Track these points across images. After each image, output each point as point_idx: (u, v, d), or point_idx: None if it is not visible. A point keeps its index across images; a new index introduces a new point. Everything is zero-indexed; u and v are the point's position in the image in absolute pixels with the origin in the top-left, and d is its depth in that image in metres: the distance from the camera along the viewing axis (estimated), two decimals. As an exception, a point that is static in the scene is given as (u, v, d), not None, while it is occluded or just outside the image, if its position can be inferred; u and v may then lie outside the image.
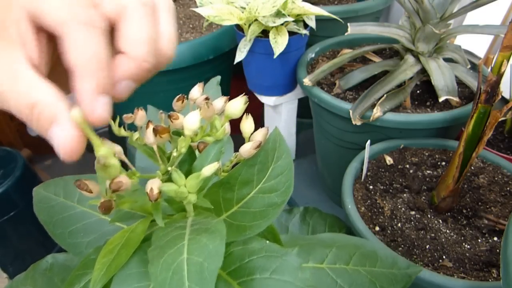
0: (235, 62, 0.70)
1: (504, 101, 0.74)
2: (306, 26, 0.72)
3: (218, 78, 0.38)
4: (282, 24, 0.66)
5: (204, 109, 0.25)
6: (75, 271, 0.33)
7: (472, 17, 0.80)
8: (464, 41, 0.83)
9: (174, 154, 0.27)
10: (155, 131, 0.25)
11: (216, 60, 0.82)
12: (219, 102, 0.28)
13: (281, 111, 0.83)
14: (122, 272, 0.28)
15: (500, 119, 0.45)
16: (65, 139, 0.20)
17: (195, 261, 0.24)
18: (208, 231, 0.26)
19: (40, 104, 0.20)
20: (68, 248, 0.36)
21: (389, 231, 0.52)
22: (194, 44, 0.78)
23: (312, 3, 0.70)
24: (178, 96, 0.28)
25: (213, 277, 0.23)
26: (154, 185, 0.25)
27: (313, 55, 0.78)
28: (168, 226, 0.28)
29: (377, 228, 0.53)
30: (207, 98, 0.28)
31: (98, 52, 0.20)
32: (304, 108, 0.85)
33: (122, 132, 0.29)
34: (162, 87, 0.81)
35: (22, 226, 0.90)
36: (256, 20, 0.66)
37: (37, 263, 0.44)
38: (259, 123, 0.96)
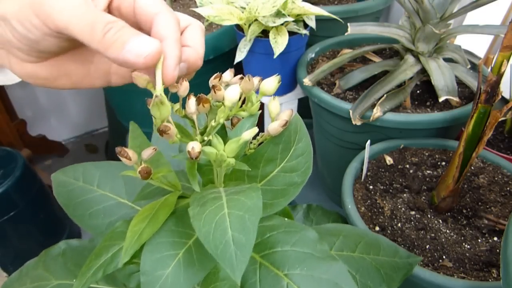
0: (235, 62, 0.70)
1: (504, 101, 0.74)
2: (306, 26, 0.72)
3: None
4: (282, 24, 0.66)
5: (245, 82, 0.28)
6: (102, 243, 0.34)
7: (472, 17, 0.80)
8: (464, 41, 0.83)
9: (213, 124, 0.29)
10: (199, 100, 0.28)
11: (216, 60, 0.82)
12: (255, 80, 0.31)
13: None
14: (153, 240, 0.30)
15: (500, 119, 0.45)
16: (150, 45, 0.24)
17: (236, 214, 0.26)
18: (244, 192, 0.27)
19: (122, 22, 0.24)
20: (88, 228, 0.38)
21: (389, 231, 0.52)
22: (194, 44, 0.78)
23: (312, 3, 0.70)
24: (215, 74, 0.31)
25: (255, 227, 0.24)
26: (195, 145, 0.27)
27: (313, 55, 0.78)
28: (203, 191, 0.30)
29: (377, 228, 0.53)
30: (242, 77, 0.31)
31: (179, 36, 0.26)
32: (304, 108, 0.85)
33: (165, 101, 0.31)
34: (162, 87, 0.81)
35: (22, 226, 0.90)
36: (256, 20, 0.66)
37: (48, 249, 0.45)
38: (260, 122, 0.96)
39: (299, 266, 0.30)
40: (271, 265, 0.30)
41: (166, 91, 0.30)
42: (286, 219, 0.33)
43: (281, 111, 0.33)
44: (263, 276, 0.30)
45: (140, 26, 0.26)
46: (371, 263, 0.40)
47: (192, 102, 0.28)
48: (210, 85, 0.30)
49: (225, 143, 0.30)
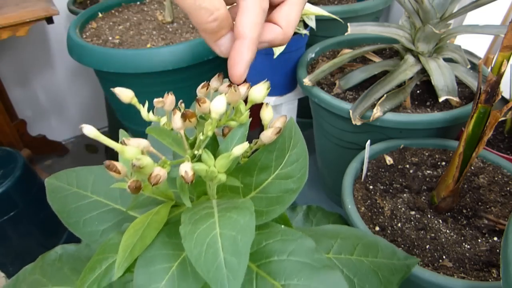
0: (235, 62, 0.70)
1: (504, 101, 0.74)
2: (306, 26, 0.72)
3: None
4: (282, 24, 0.66)
5: (231, 93, 0.27)
6: (95, 256, 0.33)
7: (472, 17, 0.80)
8: (464, 41, 0.83)
9: (201, 137, 0.28)
10: (184, 116, 0.26)
11: (216, 60, 0.82)
12: (243, 88, 0.29)
13: (281, 111, 0.83)
14: (146, 253, 0.30)
15: (500, 119, 0.45)
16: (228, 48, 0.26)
17: (228, 234, 0.25)
18: (237, 208, 0.27)
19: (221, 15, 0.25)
20: (83, 236, 0.37)
21: (389, 231, 0.52)
22: (194, 44, 0.78)
23: (312, 3, 0.70)
24: (202, 84, 0.29)
25: (247, 249, 0.24)
26: (187, 168, 0.26)
27: (313, 55, 0.78)
28: (195, 206, 0.29)
29: (377, 228, 0.53)
30: (230, 85, 0.29)
31: (258, 34, 0.26)
32: (304, 108, 0.85)
33: (151, 117, 0.30)
34: (162, 87, 0.81)
35: (22, 226, 0.90)
36: (256, 20, 0.66)
37: (45, 253, 0.44)
38: (259, 122, 0.96)
39: (296, 276, 0.29)
40: (268, 275, 0.30)
41: (151, 105, 0.29)
42: (282, 226, 0.32)
43: (276, 115, 0.32)
44: (260, 287, 0.29)
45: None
46: (369, 266, 0.39)
47: (177, 117, 0.27)
48: (198, 94, 0.29)
49: (216, 154, 0.29)
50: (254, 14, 0.25)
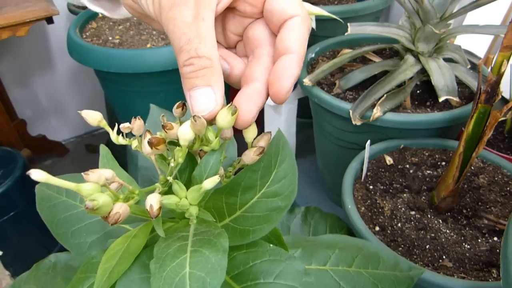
0: (235, 62, 0.70)
1: (504, 101, 0.74)
2: (306, 26, 0.72)
3: None
4: (282, 24, 0.66)
5: (192, 123, 0.24)
6: (78, 275, 0.32)
7: (472, 17, 0.80)
8: (464, 41, 0.83)
9: (172, 164, 0.26)
10: (150, 144, 0.25)
11: (216, 60, 0.82)
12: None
13: (281, 111, 0.83)
14: (125, 278, 0.28)
15: (500, 119, 0.45)
16: (207, 106, 0.24)
17: (197, 275, 0.24)
18: (211, 243, 0.25)
19: (204, 62, 0.23)
20: (71, 248, 0.36)
21: (389, 231, 0.52)
22: (194, 44, 0.78)
23: (312, 3, 0.70)
24: (177, 103, 0.27)
25: None
26: (153, 201, 0.24)
27: (313, 55, 0.78)
28: (170, 236, 0.27)
29: (377, 228, 0.53)
30: None
31: (304, 51, 0.24)
32: (304, 108, 0.85)
33: (120, 141, 0.28)
34: (162, 87, 0.81)
35: (22, 226, 0.90)
36: (256, 20, 0.66)
37: (39, 262, 0.43)
38: (259, 123, 0.96)
39: None
40: None
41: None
42: (271, 245, 0.31)
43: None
44: None
45: (266, 21, 0.25)
46: (369, 278, 0.38)
47: (146, 142, 0.25)
48: (174, 114, 0.27)
49: (192, 178, 0.27)
50: (300, 31, 0.23)
